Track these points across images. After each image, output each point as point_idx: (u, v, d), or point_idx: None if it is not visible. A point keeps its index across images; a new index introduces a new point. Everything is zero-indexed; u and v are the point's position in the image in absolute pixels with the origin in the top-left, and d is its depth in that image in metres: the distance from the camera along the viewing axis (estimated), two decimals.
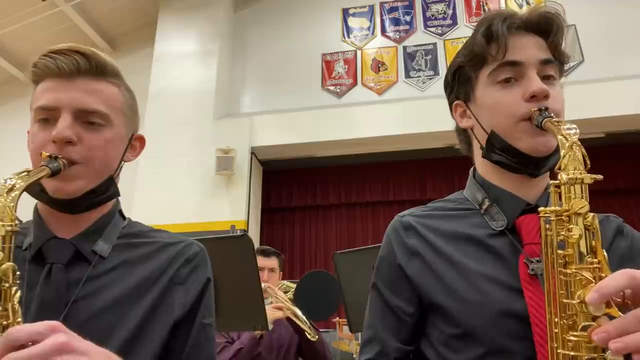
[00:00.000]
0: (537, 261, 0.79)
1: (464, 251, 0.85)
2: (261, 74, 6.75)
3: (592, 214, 0.65)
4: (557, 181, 0.68)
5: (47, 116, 0.81)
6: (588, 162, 0.67)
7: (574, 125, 0.70)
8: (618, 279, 0.59)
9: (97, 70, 0.84)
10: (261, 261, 2.35)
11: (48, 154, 0.77)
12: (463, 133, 0.98)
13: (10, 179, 0.70)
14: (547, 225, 0.68)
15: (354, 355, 3.32)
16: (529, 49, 0.84)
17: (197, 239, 1.07)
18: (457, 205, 0.93)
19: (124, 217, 0.94)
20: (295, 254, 6.72)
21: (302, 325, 2.27)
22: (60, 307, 0.77)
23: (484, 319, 0.78)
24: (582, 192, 0.66)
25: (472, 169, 0.97)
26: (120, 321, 0.79)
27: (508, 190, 0.87)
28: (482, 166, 0.93)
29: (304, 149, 6.23)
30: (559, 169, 0.68)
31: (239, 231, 5.48)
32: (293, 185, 6.87)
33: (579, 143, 0.68)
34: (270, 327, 2.17)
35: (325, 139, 5.99)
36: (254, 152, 6.15)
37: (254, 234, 5.95)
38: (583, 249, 0.64)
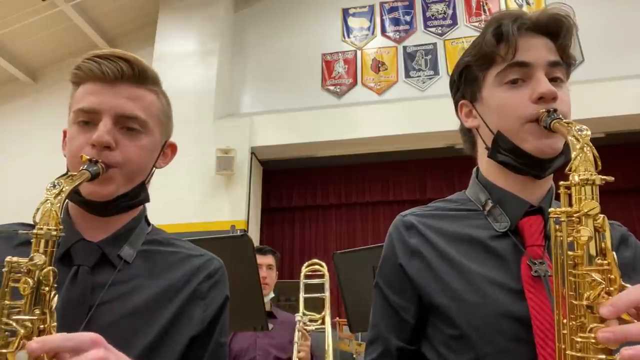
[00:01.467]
0: (540, 263, 0.78)
1: (465, 252, 0.85)
2: (261, 74, 6.75)
3: (602, 215, 0.64)
4: (568, 182, 0.67)
5: (87, 119, 0.82)
6: (599, 163, 0.67)
7: (585, 127, 0.70)
8: (633, 294, 0.59)
9: (140, 77, 0.85)
10: (259, 259, 2.39)
11: (88, 157, 0.78)
12: (468, 133, 0.98)
13: (59, 183, 0.70)
14: (557, 226, 0.68)
15: (354, 355, 3.32)
16: (538, 50, 0.84)
17: (197, 239, 1.07)
18: (460, 205, 0.93)
19: (148, 223, 0.94)
20: (295, 254, 6.72)
21: None
22: (84, 310, 0.77)
23: (484, 321, 0.77)
24: (592, 193, 0.65)
25: (475, 169, 0.96)
26: (141, 329, 0.79)
27: (511, 191, 0.86)
28: (486, 167, 0.92)
29: (304, 149, 6.24)
30: (570, 170, 0.68)
31: (239, 231, 5.48)
32: (293, 185, 6.88)
33: (591, 144, 0.68)
34: (271, 327, 2.17)
35: (325, 139, 5.99)
36: (254, 152, 6.15)
37: (254, 234, 5.95)
38: (593, 250, 0.64)
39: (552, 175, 0.87)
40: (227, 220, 5.66)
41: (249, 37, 6.96)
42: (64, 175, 0.75)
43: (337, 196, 6.78)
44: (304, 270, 2.56)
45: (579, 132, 0.69)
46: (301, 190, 6.88)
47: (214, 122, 6.11)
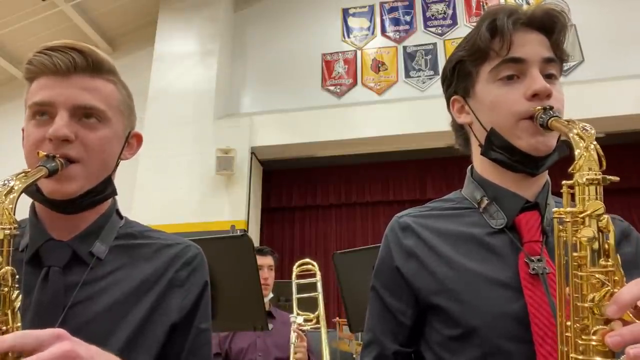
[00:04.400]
0: (538, 260, 0.78)
1: (462, 250, 0.84)
2: (261, 74, 6.74)
3: (606, 216, 0.63)
4: (571, 181, 0.66)
5: (42, 112, 0.79)
6: (604, 162, 0.65)
7: (589, 125, 0.68)
8: (634, 289, 0.58)
9: (94, 67, 0.82)
10: (259, 260, 2.39)
11: (45, 153, 0.75)
12: (460, 129, 0.96)
13: (9, 180, 0.68)
14: (561, 227, 0.67)
15: (354, 355, 3.32)
16: (532, 46, 0.83)
17: (197, 239, 1.06)
18: (455, 204, 0.92)
19: (120, 217, 0.92)
20: (295, 254, 6.70)
21: None
22: (58, 312, 0.75)
23: (481, 320, 0.77)
24: (596, 193, 0.64)
25: (469, 167, 0.95)
26: (118, 325, 0.78)
27: (507, 187, 0.85)
28: (480, 164, 0.91)
29: (304, 149, 6.23)
30: (574, 169, 0.66)
31: (239, 231, 5.48)
32: (293, 185, 6.87)
33: (596, 143, 0.66)
34: (270, 327, 2.17)
35: (325, 139, 5.99)
36: (254, 152, 6.15)
37: (254, 234, 5.95)
38: (597, 251, 0.63)
39: (547, 171, 0.86)
40: (227, 220, 5.65)
41: (249, 37, 6.95)
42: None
43: (337, 196, 6.77)
44: (295, 270, 2.56)
45: (584, 131, 0.68)
46: (301, 190, 6.87)
47: (214, 122, 6.10)
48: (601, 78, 5.37)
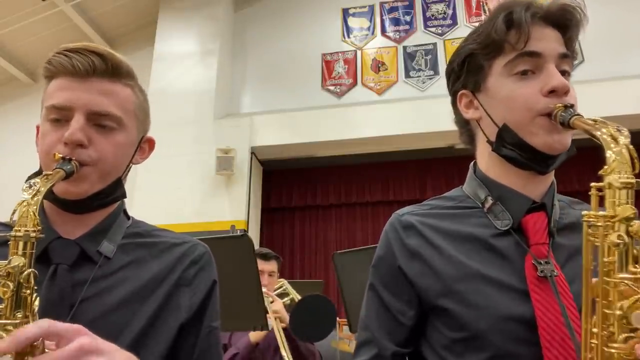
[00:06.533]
0: (546, 262, 0.76)
1: (467, 252, 0.82)
2: (261, 74, 6.75)
3: (637, 221, 0.61)
4: (600, 184, 0.64)
5: (59, 116, 0.80)
6: (637, 164, 0.63)
7: (622, 127, 0.66)
8: None
9: (113, 71, 0.83)
10: (261, 265, 2.31)
11: (61, 155, 0.76)
12: (466, 125, 0.93)
13: (35, 183, 0.69)
14: (590, 231, 0.65)
15: None
16: (549, 41, 0.80)
17: (197, 239, 1.07)
18: (458, 203, 0.90)
19: (128, 217, 0.93)
20: (295, 254, 6.72)
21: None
22: (65, 309, 0.75)
23: (487, 323, 0.75)
24: (627, 197, 0.62)
25: (472, 164, 0.92)
26: (126, 323, 0.78)
27: (512, 187, 0.83)
28: (485, 161, 0.88)
29: (304, 149, 6.23)
30: (605, 172, 0.64)
31: (239, 231, 5.48)
32: (293, 185, 6.88)
33: (631, 146, 0.64)
34: (270, 326, 2.17)
35: (325, 139, 5.99)
36: (254, 152, 6.15)
37: (254, 234, 5.95)
38: (626, 257, 0.61)
39: (554, 171, 0.84)
40: (227, 220, 5.65)
41: (249, 37, 6.95)
42: (37, 174, 0.72)
43: (337, 196, 6.78)
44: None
45: (618, 132, 0.65)
46: (301, 190, 6.88)
47: (214, 122, 6.10)
48: (601, 78, 5.37)
